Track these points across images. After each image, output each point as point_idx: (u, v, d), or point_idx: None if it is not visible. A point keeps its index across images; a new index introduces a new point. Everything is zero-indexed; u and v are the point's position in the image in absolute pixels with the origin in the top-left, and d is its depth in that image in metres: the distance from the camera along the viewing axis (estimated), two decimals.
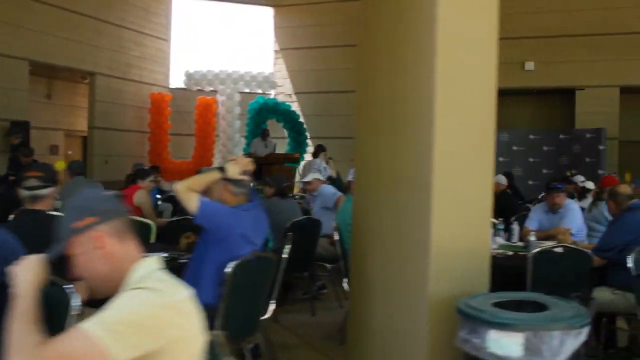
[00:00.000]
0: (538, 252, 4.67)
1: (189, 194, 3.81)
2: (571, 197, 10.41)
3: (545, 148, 16.99)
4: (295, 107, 19.12)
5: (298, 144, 18.30)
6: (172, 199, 9.05)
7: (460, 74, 3.73)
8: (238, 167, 3.96)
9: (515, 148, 16.99)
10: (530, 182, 16.26)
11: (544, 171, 16.42)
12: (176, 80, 19.18)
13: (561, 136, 16.96)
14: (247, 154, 15.86)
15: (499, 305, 3.37)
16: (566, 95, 17.16)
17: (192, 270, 3.96)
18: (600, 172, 15.15)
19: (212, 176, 3.94)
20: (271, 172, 13.68)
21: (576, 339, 3.12)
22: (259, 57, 20.03)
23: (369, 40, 4.38)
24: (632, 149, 17.06)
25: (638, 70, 16.16)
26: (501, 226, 6.26)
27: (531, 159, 16.87)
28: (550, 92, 17.63)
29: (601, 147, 16.07)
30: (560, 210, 6.41)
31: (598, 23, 16.29)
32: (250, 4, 20.02)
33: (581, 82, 16.72)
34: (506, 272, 4.92)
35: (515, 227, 6.29)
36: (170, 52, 19.36)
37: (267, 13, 20.21)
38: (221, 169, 3.95)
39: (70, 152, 18.64)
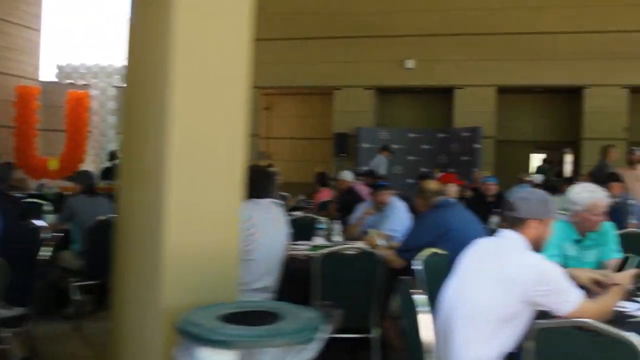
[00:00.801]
0: (326, 254, 4.28)
1: None
2: None
3: (423, 146, 16.97)
4: None
5: None
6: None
7: (202, 72, 3.33)
8: None
9: (395, 146, 16.83)
10: (409, 181, 16.12)
11: (423, 169, 16.31)
12: (48, 73, 18.17)
13: (439, 135, 16.98)
14: (117, 152, 15.14)
15: (231, 317, 2.93)
16: (446, 94, 17.16)
17: None
18: (474, 170, 15.14)
19: None
20: None
21: (298, 355, 2.70)
22: None
23: (129, 37, 3.92)
24: (508, 147, 17.25)
25: (514, 70, 16.31)
26: (322, 225, 5.87)
27: (410, 158, 16.79)
28: (430, 90, 17.62)
29: (476, 146, 16.11)
30: (386, 209, 6.08)
31: (475, 23, 16.33)
32: None
33: (460, 81, 16.74)
34: (302, 276, 4.52)
35: (337, 226, 5.92)
36: (40, 43, 18.32)
37: None
38: None
39: None
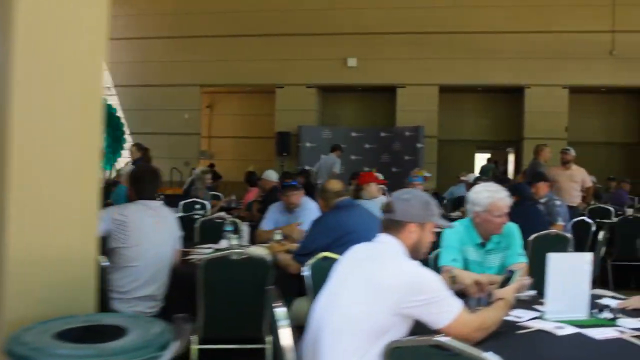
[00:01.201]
0: (209, 259, 3.98)
1: None
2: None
3: (366, 146, 16.78)
4: (114, 100, 17.96)
5: (115, 139, 17.13)
6: None
7: (48, 71, 3.07)
8: None
9: None
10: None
11: (366, 169, 16.11)
12: None
13: (382, 134, 16.80)
14: None
15: (71, 333, 2.62)
16: (388, 93, 16.99)
17: None
18: (416, 169, 14.98)
19: None
20: None
21: None
22: None
23: None
24: (451, 147, 17.17)
25: (456, 69, 16.24)
26: (229, 227, 5.55)
27: (353, 157, 16.55)
28: (372, 89, 17.43)
29: (419, 145, 15.97)
30: (297, 210, 5.80)
31: (417, 21, 16.22)
32: None
33: (402, 79, 16.59)
34: (193, 283, 4.21)
35: (245, 228, 5.62)
36: None
37: None
38: None
39: None
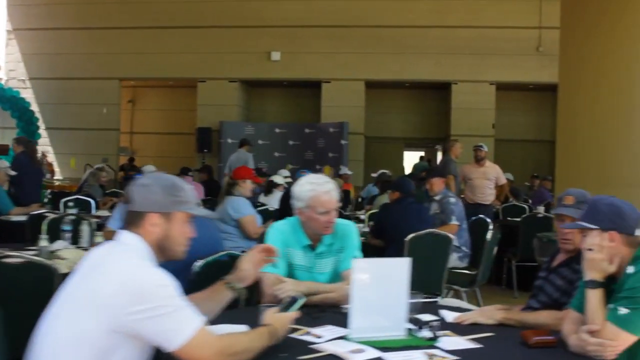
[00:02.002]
0: None
1: None
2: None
3: (290, 142, 16.29)
4: (29, 94, 17.09)
5: (29, 134, 16.29)
6: None
7: None
8: None
9: (260, 142, 16.07)
10: None
11: (290, 166, 15.60)
12: None
13: (307, 130, 16.33)
14: None
15: None
16: (313, 88, 16.49)
17: None
18: (341, 167, 14.53)
19: None
20: None
21: None
22: None
23: None
24: (378, 144, 16.78)
25: (382, 64, 15.84)
26: (67, 226, 4.90)
27: (277, 154, 16.07)
28: (297, 84, 16.92)
29: (343, 142, 15.50)
30: None
31: (342, 15, 15.79)
32: None
33: (327, 74, 16.14)
34: None
35: (86, 227, 4.97)
36: None
37: None
38: None
39: None
